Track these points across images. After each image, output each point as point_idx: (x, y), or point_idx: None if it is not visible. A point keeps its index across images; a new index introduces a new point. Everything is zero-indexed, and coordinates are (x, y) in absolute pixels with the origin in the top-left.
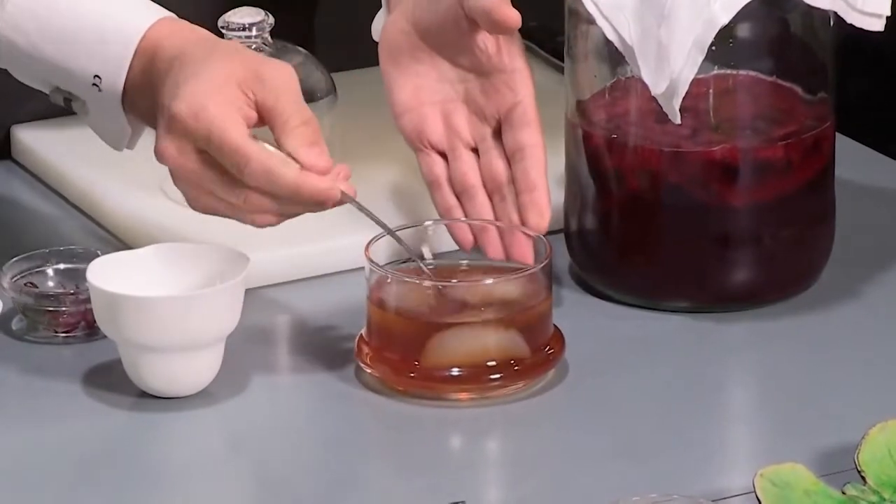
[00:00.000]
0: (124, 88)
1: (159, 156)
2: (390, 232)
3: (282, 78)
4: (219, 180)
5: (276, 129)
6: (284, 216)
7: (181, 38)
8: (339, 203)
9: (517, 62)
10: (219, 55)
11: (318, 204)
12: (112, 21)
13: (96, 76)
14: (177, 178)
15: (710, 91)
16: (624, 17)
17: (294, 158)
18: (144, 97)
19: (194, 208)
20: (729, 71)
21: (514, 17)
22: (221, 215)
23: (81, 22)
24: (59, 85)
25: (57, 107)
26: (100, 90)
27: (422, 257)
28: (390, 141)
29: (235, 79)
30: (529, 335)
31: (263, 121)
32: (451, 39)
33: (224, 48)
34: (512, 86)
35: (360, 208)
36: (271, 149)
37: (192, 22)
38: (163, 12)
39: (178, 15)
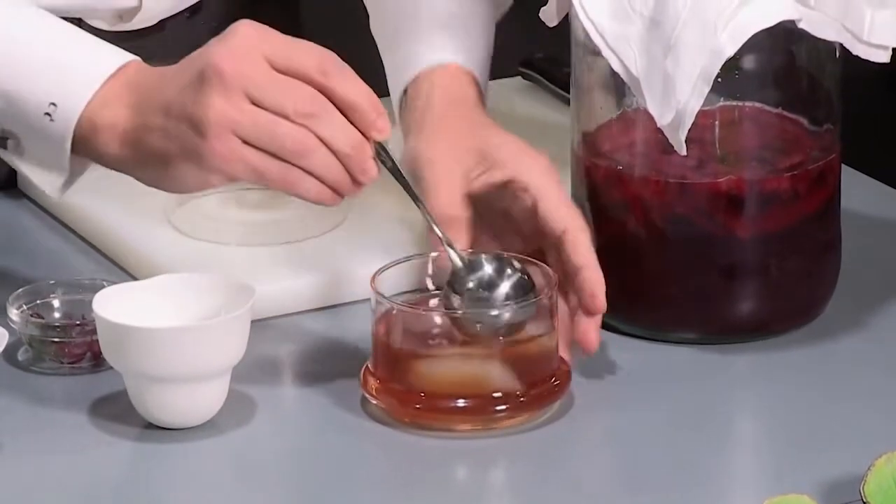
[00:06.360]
0: (84, 114)
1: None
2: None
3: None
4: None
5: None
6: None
7: None
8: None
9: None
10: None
11: None
12: (82, 54)
13: (52, 104)
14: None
15: (716, 122)
16: (630, 49)
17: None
18: (121, 103)
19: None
20: (735, 102)
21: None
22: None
23: (48, 52)
24: (0, 117)
25: None
26: (51, 119)
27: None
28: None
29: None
30: (535, 366)
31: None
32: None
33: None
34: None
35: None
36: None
37: (198, 46)
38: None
39: (189, 51)
